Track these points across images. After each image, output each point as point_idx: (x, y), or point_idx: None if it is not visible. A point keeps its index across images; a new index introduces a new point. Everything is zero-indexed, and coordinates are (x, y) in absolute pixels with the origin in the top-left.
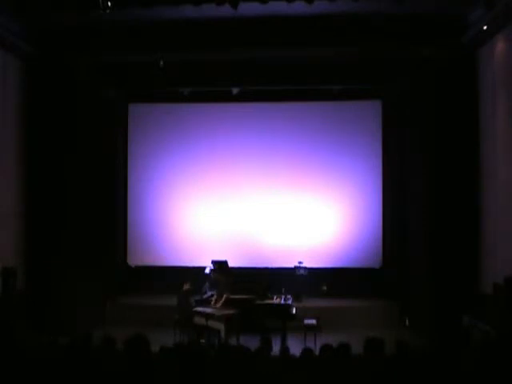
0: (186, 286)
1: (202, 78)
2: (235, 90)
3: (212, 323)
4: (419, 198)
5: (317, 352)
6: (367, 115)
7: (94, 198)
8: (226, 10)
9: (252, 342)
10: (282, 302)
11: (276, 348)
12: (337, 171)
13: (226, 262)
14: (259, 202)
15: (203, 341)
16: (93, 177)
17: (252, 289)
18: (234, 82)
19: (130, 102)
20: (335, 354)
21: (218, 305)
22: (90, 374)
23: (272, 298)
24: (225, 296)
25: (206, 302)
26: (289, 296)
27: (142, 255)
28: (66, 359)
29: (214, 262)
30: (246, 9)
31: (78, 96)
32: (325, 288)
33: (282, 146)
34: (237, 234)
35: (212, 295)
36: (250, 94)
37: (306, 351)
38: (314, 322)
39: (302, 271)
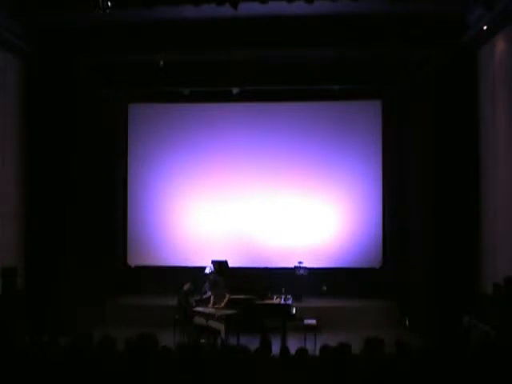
0: (186, 286)
1: (201, 78)
2: (235, 90)
3: (212, 323)
4: (419, 198)
5: (317, 352)
6: (367, 115)
7: (93, 198)
8: (225, 10)
9: (252, 342)
10: (282, 302)
11: (276, 348)
12: (337, 171)
13: (225, 262)
14: (259, 202)
15: (203, 341)
16: (93, 176)
17: (252, 289)
18: (233, 82)
19: (130, 102)
20: (335, 354)
21: (222, 305)
22: (90, 374)
23: (272, 298)
24: (227, 296)
25: (206, 302)
26: (289, 296)
27: (141, 255)
28: (66, 359)
29: (213, 262)
30: (246, 9)
31: (78, 96)
32: (325, 288)
33: (281, 145)
34: (237, 234)
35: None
36: (250, 93)
37: (300, 351)
38: (314, 322)
39: (301, 271)
